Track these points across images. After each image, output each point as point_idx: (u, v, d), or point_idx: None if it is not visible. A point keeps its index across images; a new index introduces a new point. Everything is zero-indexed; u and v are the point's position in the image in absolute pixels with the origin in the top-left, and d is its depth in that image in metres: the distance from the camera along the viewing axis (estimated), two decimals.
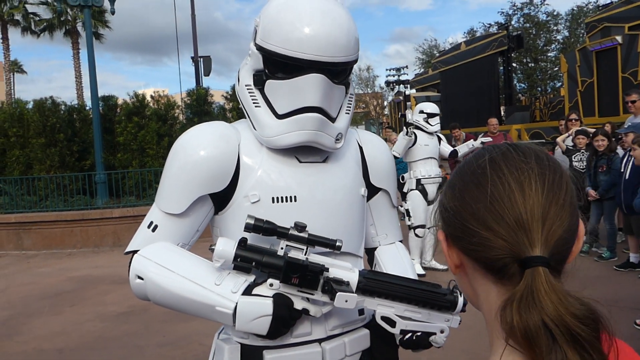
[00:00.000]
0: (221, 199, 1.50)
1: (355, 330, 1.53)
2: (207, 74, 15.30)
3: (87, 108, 11.84)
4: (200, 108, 11.05)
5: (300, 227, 1.32)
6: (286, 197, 1.47)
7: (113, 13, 11.25)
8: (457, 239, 0.72)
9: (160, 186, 1.56)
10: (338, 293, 1.27)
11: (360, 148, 1.67)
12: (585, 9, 29.25)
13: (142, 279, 1.42)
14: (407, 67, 33.40)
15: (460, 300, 1.33)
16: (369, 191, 1.64)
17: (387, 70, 44.62)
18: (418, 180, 6.23)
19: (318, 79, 1.38)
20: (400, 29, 78.72)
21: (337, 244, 1.35)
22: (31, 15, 27.54)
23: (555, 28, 30.50)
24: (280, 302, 1.31)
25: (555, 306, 0.61)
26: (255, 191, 1.46)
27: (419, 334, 1.36)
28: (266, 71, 1.45)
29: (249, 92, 1.50)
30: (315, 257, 1.34)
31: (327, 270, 1.32)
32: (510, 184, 0.68)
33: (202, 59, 15.45)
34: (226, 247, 1.32)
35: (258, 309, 1.30)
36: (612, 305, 4.43)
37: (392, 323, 1.34)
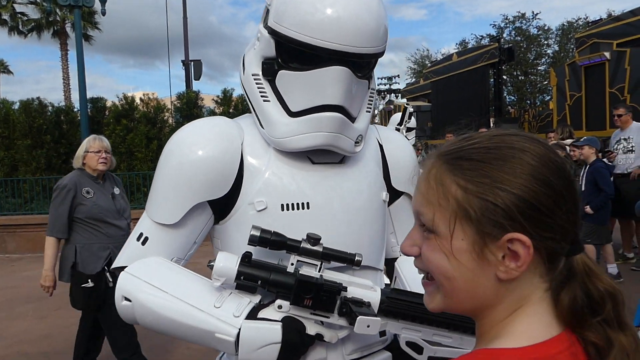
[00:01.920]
0: (222, 206, 1.30)
1: (376, 353, 1.34)
2: (197, 77, 15.25)
3: (75, 110, 11.71)
4: (190, 112, 10.99)
5: (314, 239, 1.14)
6: (298, 204, 1.27)
7: (104, 14, 11.18)
8: (539, 237, 0.63)
9: (151, 192, 1.35)
10: (359, 317, 1.07)
11: (381, 147, 1.46)
12: (575, 24, 29.64)
13: (129, 300, 1.22)
14: (398, 76, 33.72)
15: None
16: (389, 195, 1.44)
17: (378, 78, 44.91)
18: None
19: (341, 73, 1.18)
20: (395, 39, 79.27)
21: (357, 258, 1.17)
22: (19, 15, 27.25)
23: (545, 42, 30.85)
24: (291, 327, 1.13)
25: (608, 280, 0.66)
26: (261, 197, 1.26)
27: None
28: (279, 60, 1.24)
29: (257, 84, 1.29)
30: (331, 274, 1.18)
31: (345, 289, 1.14)
32: (566, 167, 0.66)
33: (192, 63, 15.40)
34: (227, 263, 1.14)
35: (265, 335, 1.11)
36: None
37: (419, 349, 1.18)
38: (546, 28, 30.62)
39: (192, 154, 1.27)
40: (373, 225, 1.36)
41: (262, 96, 1.28)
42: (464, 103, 19.13)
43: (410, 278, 1.43)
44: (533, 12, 31.70)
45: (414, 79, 34.93)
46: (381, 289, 1.19)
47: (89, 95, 10.80)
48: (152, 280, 1.22)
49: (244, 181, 1.28)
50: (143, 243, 1.30)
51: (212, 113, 11.69)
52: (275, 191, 1.27)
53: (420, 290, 1.41)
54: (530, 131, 17.24)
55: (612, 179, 6.49)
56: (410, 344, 1.18)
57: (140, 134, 10.55)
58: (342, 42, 1.15)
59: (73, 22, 12.29)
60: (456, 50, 26.11)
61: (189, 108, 11.04)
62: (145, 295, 1.20)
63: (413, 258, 1.47)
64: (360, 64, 1.23)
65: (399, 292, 1.21)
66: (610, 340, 0.64)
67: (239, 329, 1.12)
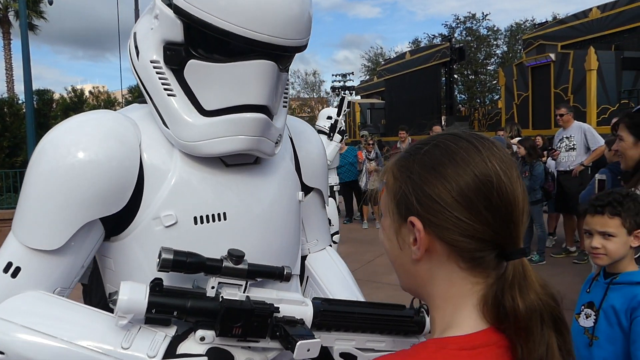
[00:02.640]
0: (117, 220, 1.06)
1: None
2: None
3: (20, 102, 11.28)
4: None
5: (237, 257, 0.99)
6: (213, 216, 1.08)
7: (51, 3, 10.81)
8: (436, 226, 0.68)
9: (19, 209, 1.04)
10: (298, 343, 0.96)
11: (291, 139, 1.32)
12: (523, 26, 30.67)
13: (2, 353, 0.95)
14: (352, 73, 33.85)
15: (428, 320, 1.11)
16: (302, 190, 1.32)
17: (333, 75, 45.09)
18: (331, 187, 6.29)
19: (267, 68, 1.02)
20: (351, 36, 79.74)
21: (286, 272, 1.05)
22: None
23: (495, 43, 31.78)
24: (218, 358, 0.97)
25: (543, 291, 0.68)
26: (169, 210, 1.05)
27: None
28: (188, 47, 1.03)
29: (158, 73, 1.06)
30: (256, 292, 1.03)
31: (277, 310, 1.00)
32: (495, 166, 0.68)
33: None
34: (134, 295, 0.91)
35: None
36: None
37: (353, 358, 1.11)
38: (495, 29, 31.60)
39: (73, 158, 1.00)
40: (290, 229, 1.24)
41: (165, 89, 1.06)
42: (417, 101, 19.51)
43: (323, 274, 1.36)
44: (483, 13, 32.71)
45: (367, 77, 35.29)
46: (312, 302, 1.07)
47: (34, 87, 10.41)
48: (34, 324, 0.95)
49: (144, 190, 1.06)
50: (13, 275, 1.00)
51: None
52: (185, 202, 1.07)
53: (332, 285, 1.37)
54: (479, 129, 17.77)
55: (555, 176, 6.84)
56: (343, 354, 1.10)
57: None
58: (272, 33, 0.99)
59: (16, 10, 11.78)
60: (409, 49, 26.56)
61: (141, 102, 10.81)
62: (24, 345, 0.93)
63: (321, 254, 1.46)
64: (285, 57, 1.08)
65: (329, 302, 1.11)
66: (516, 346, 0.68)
67: None
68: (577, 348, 1.80)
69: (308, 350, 0.97)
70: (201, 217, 1.08)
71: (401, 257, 0.74)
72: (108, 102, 10.85)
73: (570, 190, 6.49)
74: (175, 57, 1.04)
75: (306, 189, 1.33)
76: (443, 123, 19.75)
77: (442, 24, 52.44)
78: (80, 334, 0.95)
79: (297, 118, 1.45)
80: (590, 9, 14.34)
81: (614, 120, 3.42)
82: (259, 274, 1.01)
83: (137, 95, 10.84)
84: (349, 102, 6.00)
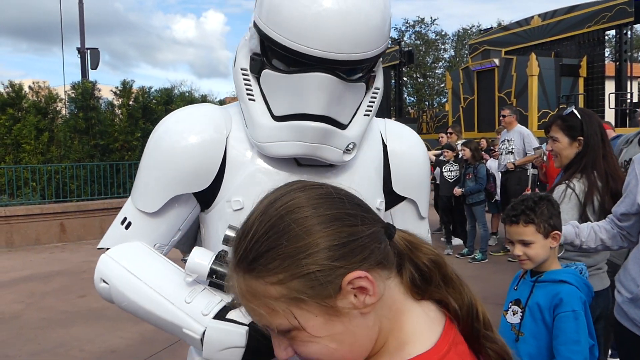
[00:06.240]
0: (206, 197, 1.26)
1: None
2: (94, 67, 14.44)
3: None
4: (86, 102, 10.40)
5: None
6: None
7: None
8: (364, 261, 0.65)
9: (135, 178, 1.34)
10: None
11: (385, 146, 1.35)
12: (469, 31, 31.53)
13: (107, 283, 1.24)
14: None
15: None
16: (391, 199, 1.35)
17: None
18: None
19: (324, 81, 1.09)
20: None
21: None
22: None
23: (443, 47, 32.55)
24: (257, 333, 1.07)
25: (428, 249, 0.74)
26: (239, 196, 1.21)
27: None
28: (263, 57, 1.16)
29: (244, 79, 1.20)
30: None
31: None
32: (331, 190, 0.70)
33: (89, 51, 14.56)
34: (200, 260, 1.11)
35: (228, 338, 1.08)
36: (482, 301, 4.89)
37: None
38: (443, 33, 32.38)
39: (172, 145, 1.24)
40: None
41: (248, 94, 1.20)
42: None
43: None
44: (432, 18, 33.31)
45: None
46: None
47: None
48: (130, 267, 1.22)
49: (225, 176, 1.24)
50: (127, 227, 1.29)
51: (110, 105, 11.15)
52: (253, 191, 1.16)
53: None
54: (427, 131, 18.16)
55: (499, 177, 7.14)
56: None
57: (29, 125, 9.81)
58: (325, 49, 1.05)
59: None
60: None
61: (85, 99, 10.44)
62: (121, 280, 1.22)
63: None
64: (353, 68, 1.13)
65: None
66: (447, 300, 0.72)
67: (205, 328, 1.10)
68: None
69: None
70: None
71: (353, 331, 0.66)
72: (49, 99, 10.40)
73: (508, 189, 6.77)
74: (256, 65, 1.17)
75: (398, 198, 1.37)
76: None
77: (393, 27, 53.21)
78: (159, 283, 1.19)
79: (401, 124, 1.45)
80: (532, 17, 14.91)
81: (544, 121, 3.60)
82: None
83: (80, 92, 10.48)
84: None
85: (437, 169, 7.70)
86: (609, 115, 12.25)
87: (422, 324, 0.69)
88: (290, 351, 0.69)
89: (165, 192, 1.25)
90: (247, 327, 1.08)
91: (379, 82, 1.24)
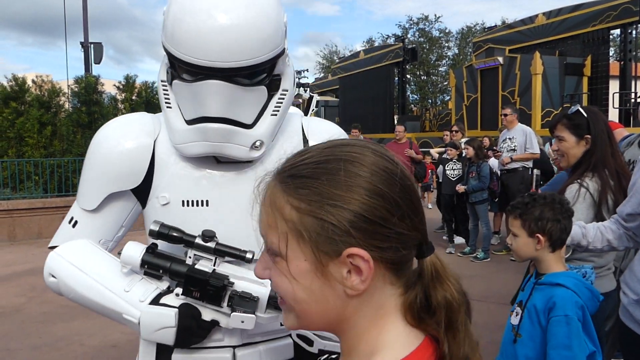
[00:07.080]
0: (142, 195, 1.40)
1: (275, 339, 1.39)
2: (97, 61, 14.42)
3: None
4: (89, 97, 10.40)
5: (208, 236, 1.24)
6: (197, 201, 1.35)
7: None
8: (378, 249, 0.63)
9: (79, 180, 1.49)
10: (233, 314, 1.20)
11: (307, 141, 1.45)
12: (473, 29, 31.46)
13: (55, 277, 1.38)
14: (307, 70, 33.85)
15: None
16: None
17: None
18: None
19: (214, 87, 1.22)
20: (313, 33, 79.41)
21: (247, 255, 1.25)
22: None
23: (446, 45, 32.48)
24: (186, 313, 1.23)
25: (457, 283, 0.68)
26: (165, 193, 1.36)
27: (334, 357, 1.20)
28: (172, 70, 1.32)
29: (163, 89, 1.37)
30: (227, 268, 1.26)
31: (231, 284, 1.23)
32: (397, 164, 0.67)
33: (92, 45, 14.55)
34: (133, 252, 1.27)
35: (161, 319, 1.23)
36: (484, 301, 4.93)
37: (310, 342, 1.27)
38: (447, 31, 32.29)
39: (103, 148, 1.39)
40: None
41: (165, 102, 1.36)
42: (370, 100, 19.68)
43: None
44: (436, 15, 33.25)
45: (322, 74, 35.36)
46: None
47: None
48: (75, 262, 1.35)
49: (154, 175, 1.38)
50: (74, 226, 1.43)
51: (113, 99, 11.15)
52: (177, 188, 1.36)
53: None
54: (430, 129, 18.14)
55: (499, 175, 7.10)
56: (301, 336, 1.28)
57: (32, 119, 9.82)
58: (211, 59, 1.18)
59: None
60: (363, 48, 26.77)
61: (88, 93, 10.45)
62: (67, 274, 1.35)
63: None
64: (247, 74, 1.24)
65: None
66: (441, 341, 0.66)
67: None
68: (505, 344, 1.87)
69: (242, 322, 1.21)
70: (188, 201, 1.35)
71: (327, 297, 0.65)
72: (52, 93, 10.40)
73: (510, 189, 6.75)
74: (170, 77, 1.33)
75: None
76: (395, 122, 20.07)
77: (396, 25, 53.20)
78: (101, 274, 1.32)
79: (323, 120, 1.58)
80: (537, 15, 14.84)
81: (547, 120, 3.57)
82: (225, 253, 1.25)
83: (83, 86, 10.48)
84: (317, 102, 6.03)
85: (440, 167, 7.67)
86: (613, 115, 12.20)
87: (398, 338, 0.66)
88: (267, 274, 0.69)
89: (101, 190, 1.39)
90: (177, 309, 1.23)
91: (286, 84, 1.37)
